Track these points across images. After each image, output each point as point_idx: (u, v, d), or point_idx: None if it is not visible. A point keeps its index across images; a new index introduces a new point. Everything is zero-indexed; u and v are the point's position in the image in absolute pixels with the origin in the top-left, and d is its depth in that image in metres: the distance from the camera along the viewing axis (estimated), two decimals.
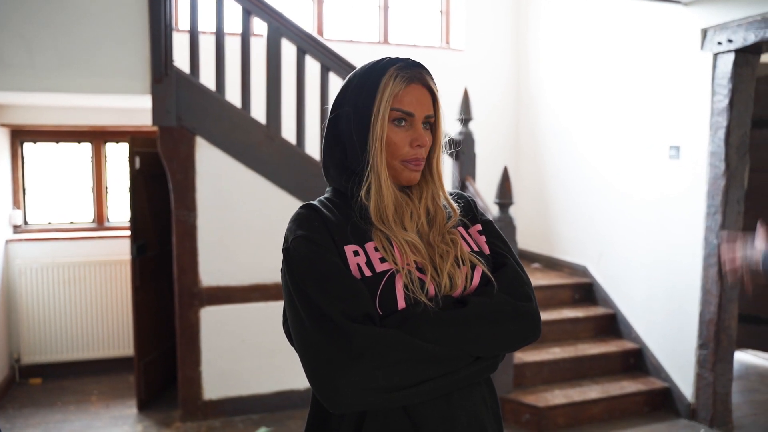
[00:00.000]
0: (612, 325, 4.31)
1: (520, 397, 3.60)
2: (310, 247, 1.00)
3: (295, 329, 0.99)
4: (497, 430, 1.09)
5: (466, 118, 3.83)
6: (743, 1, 3.23)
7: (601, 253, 4.46)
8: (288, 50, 3.74)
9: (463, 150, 3.76)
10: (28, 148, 4.37)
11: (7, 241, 4.12)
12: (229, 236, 3.50)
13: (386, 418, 0.99)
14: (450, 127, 3.99)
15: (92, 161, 4.49)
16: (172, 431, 3.43)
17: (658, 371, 3.90)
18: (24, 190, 4.33)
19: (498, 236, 1.16)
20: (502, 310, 1.02)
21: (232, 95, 3.57)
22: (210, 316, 3.49)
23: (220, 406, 3.56)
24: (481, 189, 4.02)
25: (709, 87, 3.46)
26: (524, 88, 5.40)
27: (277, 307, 3.31)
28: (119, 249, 4.32)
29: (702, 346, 3.57)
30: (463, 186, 3.77)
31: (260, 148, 3.54)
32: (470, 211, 1.16)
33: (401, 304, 0.99)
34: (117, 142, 4.51)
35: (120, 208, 4.54)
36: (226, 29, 3.48)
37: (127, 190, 3.64)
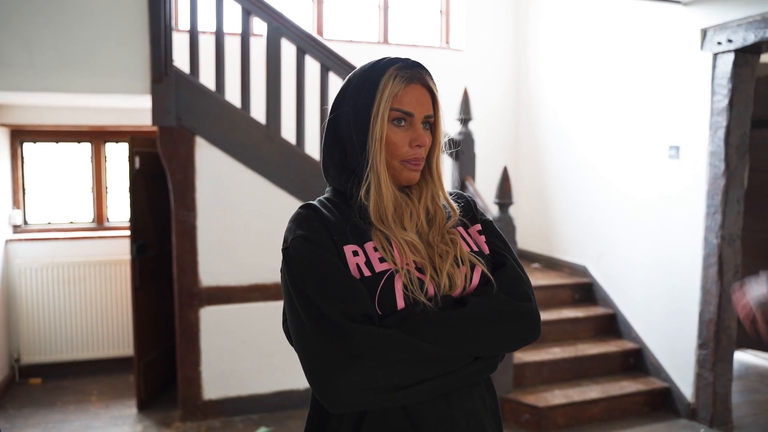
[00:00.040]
0: (612, 325, 4.31)
1: (520, 397, 3.60)
2: (310, 247, 1.00)
3: (294, 329, 0.99)
4: (497, 430, 1.09)
5: (465, 118, 3.83)
6: (743, 1, 3.23)
7: (601, 253, 4.46)
8: (288, 50, 3.74)
9: (463, 150, 3.76)
10: (28, 148, 4.37)
11: (7, 241, 4.12)
12: (229, 236, 3.50)
13: (385, 418, 0.99)
14: (450, 127, 3.99)
15: (92, 161, 4.49)
16: (171, 431, 3.43)
17: (658, 371, 3.90)
18: (24, 190, 4.33)
19: (498, 236, 1.16)
20: (502, 310, 1.02)
21: (232, 95, 3.57)
22: (210, 316, 3.49)
23: (220, 406, 3.56)
24: (481, 189, 4.02)
25: (709, 87, 3.46)
26: (524, 88, 5.40)
27: (277, 307, 3.30)
28: (119, 249, 4.32)
29: (702, 345, 3.57)
30: (462, 186, 3.77)
31: (260, 148, 3.54)
32: (470, 211, 1.16)
33: (400, 304, 0.99)
34: (117, 142, 4.51)
35: (120, 208, 4.54)
36: (225, 29, 3.48)
37: (127, 190, 3.64)
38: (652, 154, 3.91)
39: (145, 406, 3.73)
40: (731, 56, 3.34)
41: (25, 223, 4.36)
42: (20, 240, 4.16)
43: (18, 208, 4.30)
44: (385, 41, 5.18)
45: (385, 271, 1.00)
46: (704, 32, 3.45)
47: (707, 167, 3.50)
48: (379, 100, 1.03)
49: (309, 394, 1.08)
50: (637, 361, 4.06)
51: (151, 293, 3.81)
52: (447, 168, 3.93)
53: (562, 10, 4.87)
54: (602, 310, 4.35)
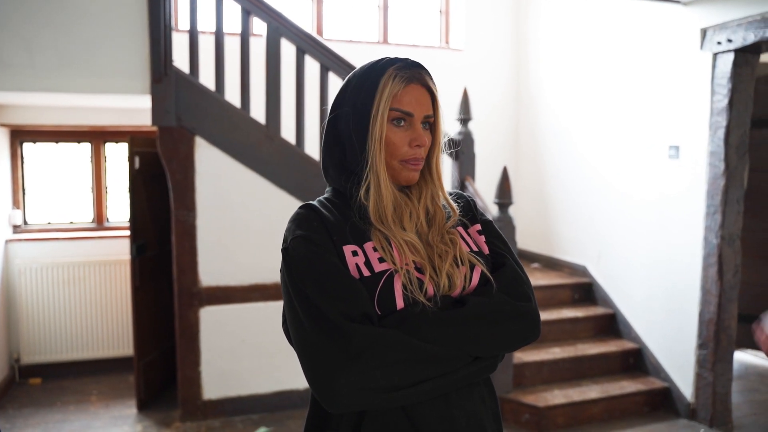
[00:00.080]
0: (611, 324, 4.31)
1: (520, 397, 3.60)
2: (309, 248, 1.00)
3: (293, 329, 0.99)
4: (496, 430, 1.09)
5: (465, 118, 3.83)
6: (743, 1, 3.23)
7: (601, 253, 4.46)
8: (287, 50, 3.74)
9: (463, 150, 3.76)
10: (28, 148, 4.37)
11: (7, 241, 4.12)
12: (229, 236, 3.50)
13: (385, 418, 0.99)
14: (449, 127, 3.99)
15: (92, 161, 4.49)
16: (171, 431, 3.43)
17: (658, 371, 3.90)
18: (24, 190, 4.33)
19: (497, 236, 1.16)
20: (501, 309, 1.02)
21: (232, 95, 3.57)
22: (210, 316, 3.49)
23: (220, 406, 3.56)
24: (481, 189, 4.02)
25: (709, 87, 3.46)
26: (524, 88, 5.40)
27: (276, 307, 3.31)
28: (119, 249, 4.32)
29: (702, 345, 3.57)
30: (462, 186, 3.78)
31: (260, 148, 3.54)
32: (470, 210, 1.16)
33: (400, 304, 0.99)
34: (116, 142, 4.51)
35: (119, 208, 4.54)
36: (225, 29, 3.48)
37: (127, 190, 3.64)
38: (652, 154, 3.91)
39: (144, 406, 3.73)
40: (731, 56, 3.34)
41: (25, 223, 4.36)
42: (20, 240, 4.16)
43: (18, 208, 4.30)
44: (385, 41, 5.18)
45: (385, 271, 1.00)
46: (704, 32, 3.46)
47: (707, 167, 3.50)
48: (379, 100, 1.03)
49: (309, 394, 1.08)
50: (636, 361, 4.06)
51: (151, 293, 3.81)
52: (447, 168, 3.93)
53: (562, 10, 4.87)
54: (602, 310, 4.35)
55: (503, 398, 3.58)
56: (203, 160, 3.43)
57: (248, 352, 3.58)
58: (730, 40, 3.29)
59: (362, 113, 1.04)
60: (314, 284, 0.97)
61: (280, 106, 3.56)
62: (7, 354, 4.11)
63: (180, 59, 3.47)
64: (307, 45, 3.56)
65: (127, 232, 3.98)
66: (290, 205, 3.51)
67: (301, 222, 1.04)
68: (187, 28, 3.45)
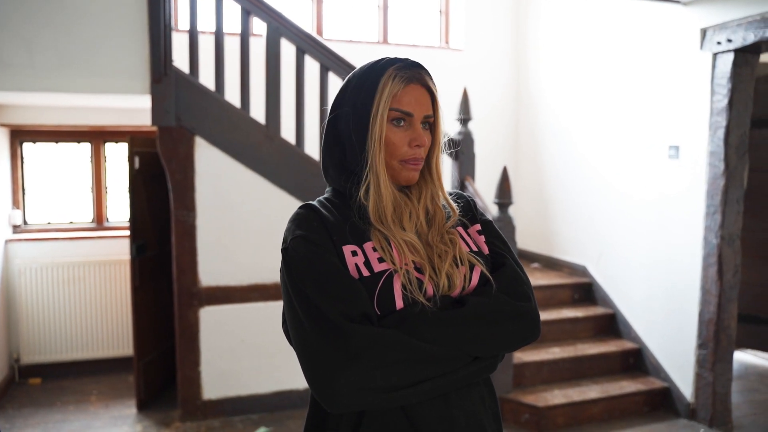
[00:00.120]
0: (611, 324, 4.31)
1: (520, 397, 3.60)
2: (309, 248, 1.00)
3: (293, 329, 0.99)
4: (496, 430, 1.09)
5: (465, 118, 3.83)
6: (743, 1, 3.23)
7: (601, 253, 4.46)
8: (287, 50, 3.74)
9: (463, 150, 3.76)
10: (28, 148, 4.37)
11: (7, 241, 4.12)
12: (229, 236, 3.50)
13: (384, 418, 0.99)
14: (449, 127, 3.99)
15: (92, 161, 4.49)
16: (171, 431, 3.43)
17: (658, 371, 3.90)
18: (23, 190, 4.33)
19: (497, 236, 1.16)
20: (501, 309, 1.02)
21: (232, 95, 3.57)
22: (209, 316, 3.49)
23: (220, 406, 3.56)
24: (481, 189, 4.02)
25: (709, 87, 3.46)
26: (524, 88, 5.40)
27: (276, 307, 3.31)
28: (119, 249, 4.32)
29: (701, 345, 3.57)
30: (462, 186, 3.78)
31: (260, 148, 3.54)
32: (469, 210, 1.16)
33: (399, 304, 0.99)
34: (116, 142, 4.50)
35: (119, 208, 4.54)
36: (225, 29, 3.48)
37: (127, 190, 3.64)
38: (652, 154, 3.91)
39: (144, 406, 3.73)
40: (731, 56, 3.34)
41: (25, 223, 4.36)
42: (20, 240, 4.16)
43: (18, 208, 4.30)
44: (385, 41, 5.18)
45: (384, 271, 1.00)
46: (704, 32, 3.46)
47: (707, 167, 3.50)
48: (379, 100, 1.03)
49: (308, 394, 1.08)
50: (636, 361, 4.06)
51: (151, 293, 3.81)
52: (447, 168, 3.93)
53: (562, 10, 4.87)
54: (602, 310, 4.35)
55: (503, 398, 3.58)
56: (203, 160, 3.43)
57: (248, 352, 3.58)
58: (729, 40, 3.29)
59: (362, 113, 1.04)
60: (314, 284, 0.97)
61: (280, 106, 3.56)
62: (6, 354, 4.10)
63: (180, 59, 3.47)
64: (307, 45, 3.56)
65: (127, 232, 3.98)
66: (290, 205, 3.51)
67: (300, 222, 1.04)
68: (187, 28, 3.45)
